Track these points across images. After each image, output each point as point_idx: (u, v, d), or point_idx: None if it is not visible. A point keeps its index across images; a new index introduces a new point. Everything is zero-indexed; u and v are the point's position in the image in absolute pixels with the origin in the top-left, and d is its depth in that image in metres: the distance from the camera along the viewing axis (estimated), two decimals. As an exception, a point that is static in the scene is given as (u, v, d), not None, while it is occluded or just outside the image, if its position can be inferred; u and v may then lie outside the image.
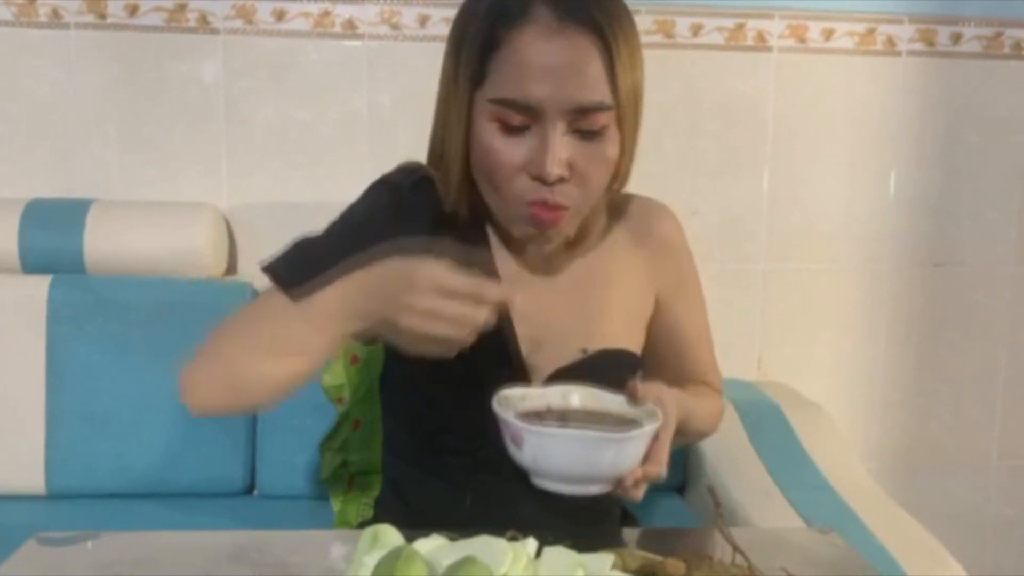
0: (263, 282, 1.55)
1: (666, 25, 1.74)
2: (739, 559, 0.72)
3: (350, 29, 1.69)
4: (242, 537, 0.83)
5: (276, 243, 1.69)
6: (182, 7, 1.65)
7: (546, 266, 0.96)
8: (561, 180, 0.83)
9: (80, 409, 1.49)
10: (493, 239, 0.96)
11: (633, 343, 0.99)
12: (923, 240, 1.85)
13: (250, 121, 1.70)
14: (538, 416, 0.80)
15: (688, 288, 1.02)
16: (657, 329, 1.01)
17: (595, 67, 0.82)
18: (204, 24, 1.67)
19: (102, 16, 1.65)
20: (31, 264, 1.54)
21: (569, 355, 0.93)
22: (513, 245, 0.96)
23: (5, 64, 1.65)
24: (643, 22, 1.73)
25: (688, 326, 1.02)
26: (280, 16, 1.68)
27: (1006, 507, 1.93)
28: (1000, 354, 1.90)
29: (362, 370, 1.24)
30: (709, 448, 1.55)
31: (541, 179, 0.82)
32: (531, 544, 0.65)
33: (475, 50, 0.84)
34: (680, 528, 0.88)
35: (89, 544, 0.81)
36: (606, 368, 0.95)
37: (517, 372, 0.93)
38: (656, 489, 1.58)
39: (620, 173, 0.91)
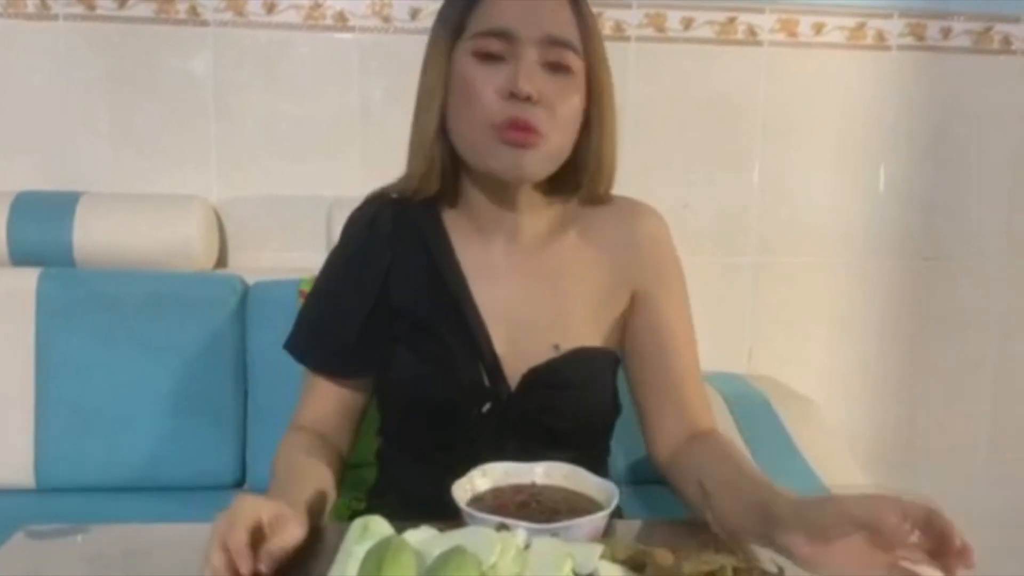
0: (253, 275, 1.56)
1: (657, 19, 1.74)
2: (728, 548, 0.72)
3: (341, 21, 1.69)
4: (232, 529, 0.82)
5: (266, 235, 1.71)
6: (172, -1, 1.65)
7: (510, 259, 0.97)
8: (530, 100, 0.88)
9: (69, 402, 1.49)
10: (454, 232, 0.98)
11: (604, 339, 0.99)
12: (912, 234, 1.86)
13: (240, 113, 1.69)
14: (515, 491, 0.79)
15: (671, 286, 1.01)
16: (639, 326, 1.00)
17: (566, 12, 0.91)
18: (194, 16, 1.66)
19: (91, 7, 1.64)
20: (20, 257, 1.53)
21: (541, 352, 0.94)
22: (477, 239, 0.98)
23: (-7, 56, 1.64)
24: (634, 16, 1.73)
25: (672, 320, 1.00)
26: (271, 8, 1.67)
27: (995, 500, 1.94)
28: (989, 348, 1.91)
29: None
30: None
31: (514, 94, 0.88)
32: (520, 535, 0.65)
33: (458, 9, 0.92)
34: (669, 519, 0.88)
35: (78, 537, 0.81)
36: (580, 366, 0.96)
37: (490, 369, 0.94)
38: (643, 481, 1.60)
39: (597, 154, 0.95)
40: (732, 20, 1.75)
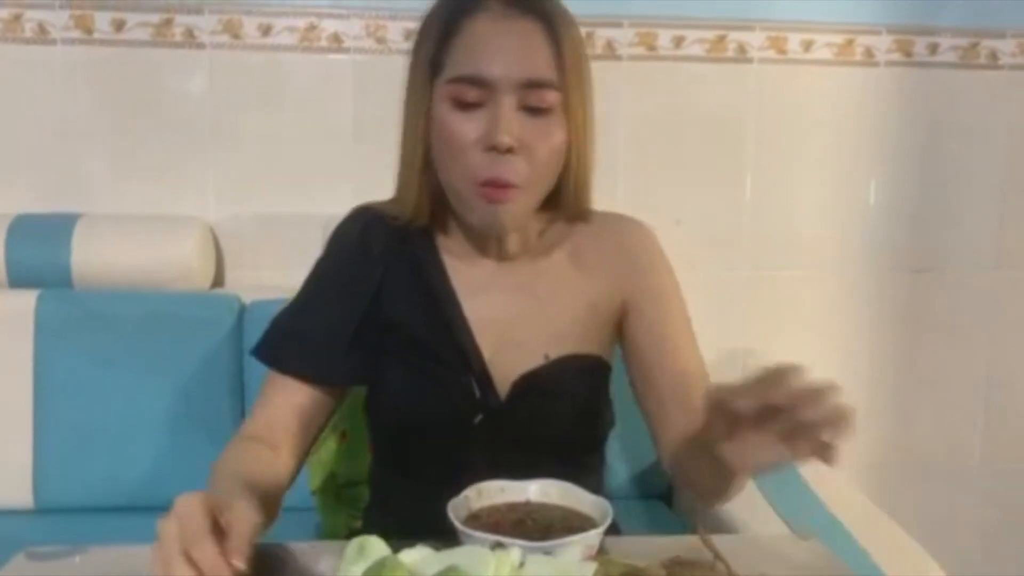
0: (250, 295, 1.57)
1: (648, 37, 1.76)
2: (720, 565, 0.73)
3: (336, 43, 1.70)
4: (230, 549, 0.83)
5: (263, 255, 1.72)
6: (168, 22, 1.67)
7: (500, 277, 0.98)
8: (511, 151, 0.87)
9: (68, 422, 1.49)
10: (446, 253, 0.99)
11: (595, 349, 0.99)
12: (903, 247, 1.88)
13: (236, 134, 1.70)
14: (510, 508, 0.79)
15: (664, 288, 1.02)
16: (636, 333, 1.00)
17: (542, 50, 0.88)
18: (190, 39, 1.68)
19: (89, 32, 1.66)
20: (18, 279, 1.54)
21: (532, 361, 0.95)
22: (468, 259, 0.99)
23: (-9, 80, 1.66)
24: (625, 35, 1.75)
25: (668, 322, 1.00)
26: (266, 31, 1.69)
27: (988, 511, 1.95)
28: (980, 359, 1.93)
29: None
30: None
31: (494, 148, 0.87)
32: (515, 553, 0.66)
33: (433, 42, 0.91)
34: (662, 536, 0.89)
35: (78, 558, 0.82)
36: (570, 373, 0.96)
37: (481, 379, 0.95)
38: (642, 496, 1.61)
39: (576, 173, 0.95)
40: (722, 38, 1.77)
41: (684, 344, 1.00)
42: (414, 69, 0.93)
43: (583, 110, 0.92)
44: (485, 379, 0.95)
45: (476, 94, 0.87)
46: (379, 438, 1.04)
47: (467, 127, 0.88)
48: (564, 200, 0.97)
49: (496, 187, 0.88)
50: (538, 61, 0.88)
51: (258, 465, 0.87)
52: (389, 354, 0.97)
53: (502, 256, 0.99)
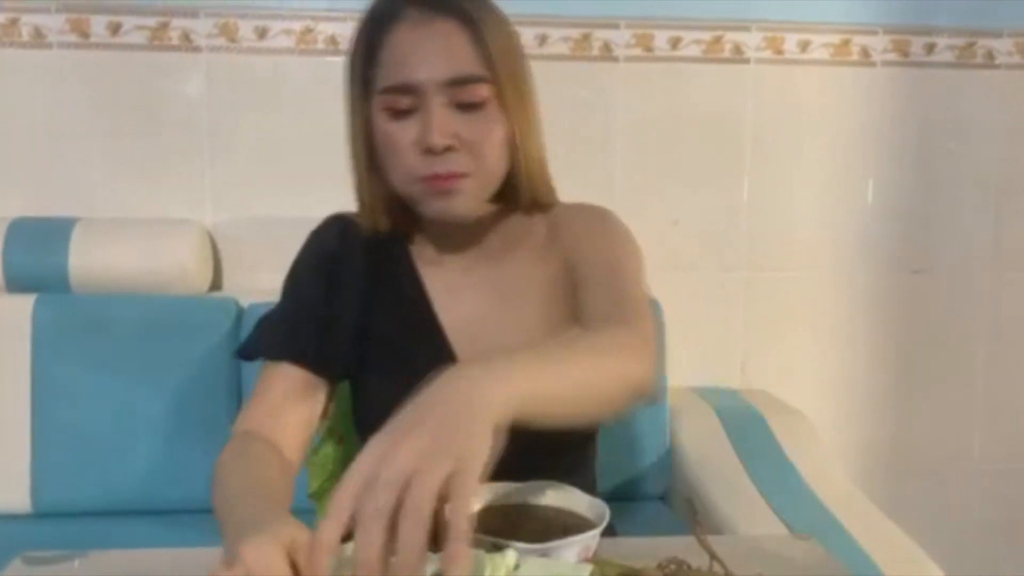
0: (248, 298, 1.57)
1: (645, 39, 1.76)
2: (717, 567, 0.73)
3: (332, 45, 1.70)
4: (228, 553, 0.83)
5: (260, 258, 1.72)
6: (164, 26, 1.67)
7: (469, 279, 0.99)
8: (449, 149, 0.88)
9: (66, 427, 1.49)
10: (417, 260, 1.00)
11: None
12: (901, 247, 1.88)
13: (233, 138, 1.71)
14: (506, 510, 0.79)
15: (592, 234, 0.97)
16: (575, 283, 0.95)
17: (464, 46, 0.89)
18: (187, 42, 1.68)
19: (85, 35, 1.66)
20: (16, 283, 1.54)
21: None
22: (439, 263, 0.99)
23: (-12, 84, 1.66)
24: (622, 36, 1.75)
25: (586, 257, 0.95)
26: (262, 34, 1.69)
27: (986, 511, 1.95)
28: (978, 359, 1.93)
29: (345, 387, 1.25)
30: (692, 455, 1.57)
31: (430, 150, 0.88)
32: (511, 555, 0.66)
33: (361, 58, 0.93)
34: (659, 537, 0.89)
35: (76, 563, 0.81)
36: None
37: None
38: (638, 497, 1.61)
39: (525, 165, 0.94)
40: (719, 39, 1.78)
41: (601, 275, 0.93)
42: (349, 87, 0.95)
43: (521, 102, 0.92)
44: None
45: (407, 101, 0.89)
46: (363, 441, 1.05)
47: (403, 133, 0.89)
48: (520, 193, 0.97)
49: (441, 179, 0.89)
50: (461, 58, 0.89)
51: (270, 470, 0.86)
52: (366, 362, 0.98)
53: (471, 257, 1.00)
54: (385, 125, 0.90)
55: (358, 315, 0.98)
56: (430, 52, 0.88)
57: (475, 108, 0.89)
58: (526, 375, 0.65)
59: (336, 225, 1.02)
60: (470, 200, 0.92)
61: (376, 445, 0.58)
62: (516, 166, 0.94)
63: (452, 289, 0.99)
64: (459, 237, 0.99)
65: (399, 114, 0.89)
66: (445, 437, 0.56)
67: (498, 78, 0.90)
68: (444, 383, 0.62)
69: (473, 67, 0.89)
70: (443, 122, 0.88)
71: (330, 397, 1.00)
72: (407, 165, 0.90)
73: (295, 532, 0.62)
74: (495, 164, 0.92)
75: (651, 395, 0.80)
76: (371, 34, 0.92)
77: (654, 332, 0.86)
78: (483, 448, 0.57)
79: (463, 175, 0.90)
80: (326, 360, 0.96)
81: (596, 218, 1.01)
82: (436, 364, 0.94)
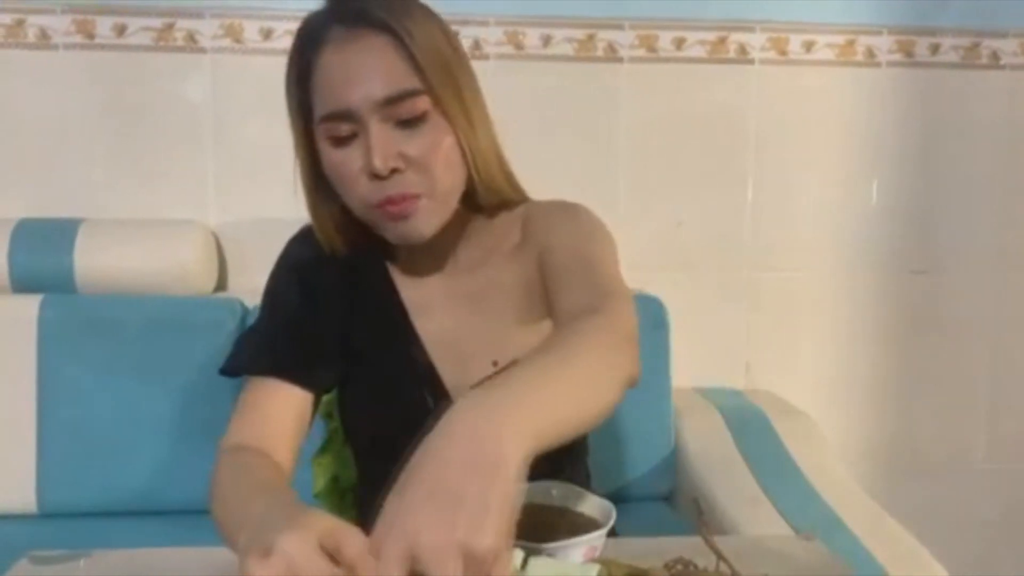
0: (253, 299, 1.57)
1: (649, 39, 1.76)
2: (723, 566, 0.73)
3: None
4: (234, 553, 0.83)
5: (265, 259, 1.71)
6: (170, 27, 1.67)
7: (447, 290, 0.98)
8: (396, 171, 0.86)
9: (71, 427, 1.50)
10: (394, 272, 0.99)
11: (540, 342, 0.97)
12: (905, 247, 1.88)
13: (238, 139, 1.71)
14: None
15: (557, 224, 0.95)
16: (544, 273, 0.92)
17: (393, 60, 0.86)
18: (192, 43, 1.68)
19: (90, 36, 1.66)
20: (21, 284, 1.55)
21: (483, 370, 0.94)
22: (415, 275, 0.99)
23: (-6, 85, 1.66)
24: (626, 37, 1.75)
25: (556, 256, 0.91)
26: (267, 35, 1.69)
27: (990, 511, 1.95)
28: (982, 359, 1.93)
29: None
30: (696, 456, 1.57)
31: (376, 176, 0.86)
32: (517, 555, 0.66)
33: (295, 86, 0.91)
34: (665, 537, 0.89)
35: (81, 562, 0.82)
36: None
37: (439, 395, 0.95)
38: (644, 498, 1.61)
39: (477, 168, 0.91)
40: (723, 39, 1.78)
41: (565, 261, 0.90)
42: (290, 114, 0.93)
43: (460, 105, 0.89)
44: (442, 394, 0.95)
45: (347, 127, 0.86)
46: (356, 455, 1.06)
47: (350, 160, 0.87)
48: (482, 198, 0.95)
49: (394, 203, 0.87)
50: (392, 74, 0.85)
51: (273, 472, 0.84)
52: (347, 374, 0.98)
53: (446, 267, 0.99)
54: (330, 154, 0.89)
55: (338, 328, 0.97)
56: (359, 72, 0.85)
57: (416, 123, 0.86)
58: (531, 410, 0.61)
59: (311, 238, 1.00)
60: (429, 219, 0.89)
61: (400, 515, 0.55)
62: (471, 172, 0.92)
63: (429, 302, 0.98)
64: (431, 248, 0.96)
65: (341, 141, 0.87)
66: (477, 517, 0.54)
67: (434, 87, 0.86)
68: (456, 438, 0.58)
69: (406, 81, 0.86)
70: (384, 144, 0.85)
71: (316, 407, 0.98)
72: (359, 193, 0.88)
73: (330, 523, 0.61)
74: (447, 178, 0.89)
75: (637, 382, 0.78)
76: (300, 59, 0.90)
77: (633, 317, 0.81)
78: (512, 514, 0.56)
79: (416, 196, 0.87)
80: (310, 373, 0.95)
81: (565, 212, 0.98)
82: (413, 373, 0.94)
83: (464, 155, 0.90)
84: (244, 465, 0.84)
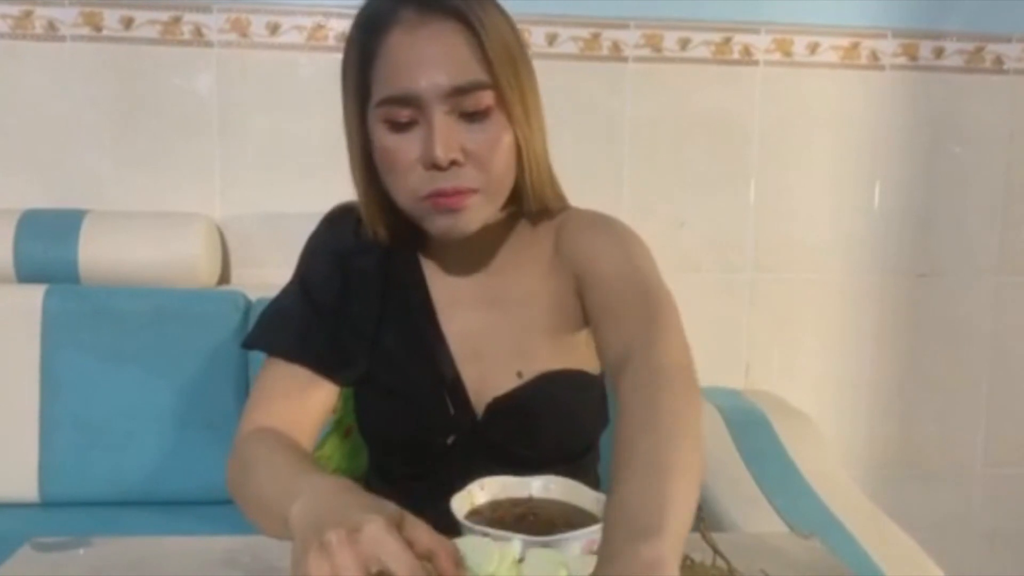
0: (256, 292, 1.58)
1: (654, 39, 1.76)
2: (719, 562, 0.73)
3: (343, 42, 1.70)
4: (235, 542, 0.84)
5: (269, 253, 1.73)
6: (177, 20, 1.68)
7: (476, 291, 0.96)
8: (455, 164, 0.84)
9: (74, 417, 1.50)
10: (427, 268, 0.97)
11: (567, 356, 0.95)
12: (907, 251, 1.88)
13: (243, 133, 1.71)
14: (513, 504, 0.80)
15: (595, 235, 0.93)
16: (589, 298, 0.90)
17: (464, 50, 0.83)
18: (199, 37, 1.69)
19: (97, 29, 1.67)
20: (26, 274, 1.55)
21: (506, 381, 0.93)
22: (447, 273, 0.97)
23: (1, 76, 1.67)
24: (631, 36, 1.76)
25: (593, 256, 0.91)
26: (274, 29, 1.70)
27: (989, 515, 1.95)
28: (983, 363, 1.93)
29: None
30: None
31: (435, 166, 0.83)
32: (516, 547, 0.67)
33: (356, 67, 0.87)
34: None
35: (83, 550, 0.82)
36: (545, 393, 0.93)
37: (454, 396, 0.93)
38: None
39: (530, 171, 0.89)
40: (728, 40, 1.78)
41: (611, 270, 0.89)
42: (345, 97, 0.90)
43: (523, 104, 0.87)
44: (461, 399, 0.94)
45: (407, 113, 0.83)
46: (368, 448, 1.06)
47: (406, 147, 0.85)
48: (528, 202, 0.93)
49: (446, 196, 0.84)
50: (463, 64, 0.83)
51: (311, 456, 0.84)
52: (370, 370, 0.96)
53: (476, 268, 0.97)
54: (384, 140, 0.86)
55: (371, 324, 0.95)
56: (429, 58, 0.82)
57: (479, 116, 0.84)
58: (677, 539, 0.58)
59: (351, 219, 0.98)
60: (478, 216, 0.87)
61: None
62: (523, 174, 0.90)
63: (457, 300, 0.96)
64: (466, 247, 0.94)
65: (399, 127, 0.84)
66: None
67: (501, 83, 0.84)
68: None
69: (476, 73, 0.83)
70: (447, 135, 0.83)
71: (338, 396, 0.98)
72: (409, 182, 0.85)
73: (402, 514, 0.62)
74: (504, 176, 0.87)
75: None
76: (365, 40, 0.86)
77: (680, 323, 0.82)
78: None
79: (471, 191, 0.85)
80: (342, 368, 0.94)
81: (604, 225, 0.96)
82: (434, 375, 0.92)
83: (520, 156, 0.88)
84: (280, 442, 0.84)
